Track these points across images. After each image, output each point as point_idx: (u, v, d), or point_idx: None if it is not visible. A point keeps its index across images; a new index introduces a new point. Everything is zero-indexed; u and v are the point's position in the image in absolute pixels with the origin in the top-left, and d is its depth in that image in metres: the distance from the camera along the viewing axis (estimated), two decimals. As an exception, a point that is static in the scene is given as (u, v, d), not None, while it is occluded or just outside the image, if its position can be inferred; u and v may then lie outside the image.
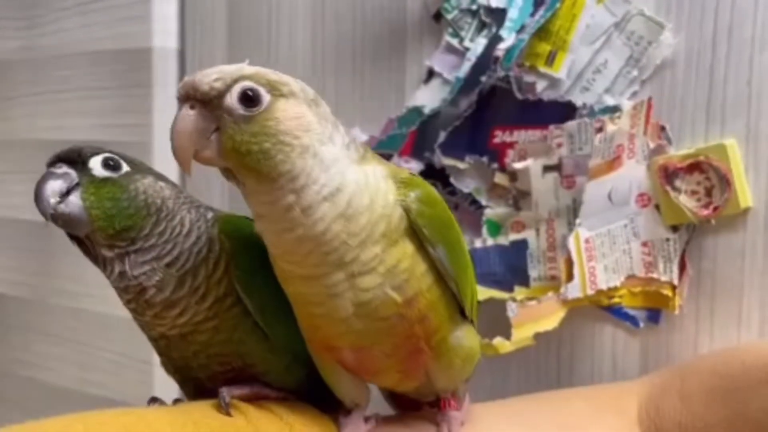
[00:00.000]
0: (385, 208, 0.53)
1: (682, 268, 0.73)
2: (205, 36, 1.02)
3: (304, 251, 0.53)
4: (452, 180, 0.83)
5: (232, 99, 0.50)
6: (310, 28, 0.93)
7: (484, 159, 0.82)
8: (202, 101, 0.50)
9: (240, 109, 0.50)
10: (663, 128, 0.74)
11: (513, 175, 0.81)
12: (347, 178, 0.52)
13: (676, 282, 0.73)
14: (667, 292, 0.74)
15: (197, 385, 0.62)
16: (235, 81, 0.50)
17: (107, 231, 0.56)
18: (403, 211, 0.54)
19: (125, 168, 0.58)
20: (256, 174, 0.51)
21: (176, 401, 0.61)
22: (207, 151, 0.51)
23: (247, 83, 0.50)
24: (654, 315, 0.76)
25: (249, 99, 0.50)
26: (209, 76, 0.50)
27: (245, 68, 0.51)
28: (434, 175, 0.83)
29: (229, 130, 0.50)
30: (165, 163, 1.03)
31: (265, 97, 0.50)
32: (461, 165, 0.82)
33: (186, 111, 0.51)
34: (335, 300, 0.54)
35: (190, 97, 0.51)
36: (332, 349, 0.58)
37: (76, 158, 0.57)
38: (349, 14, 0.90)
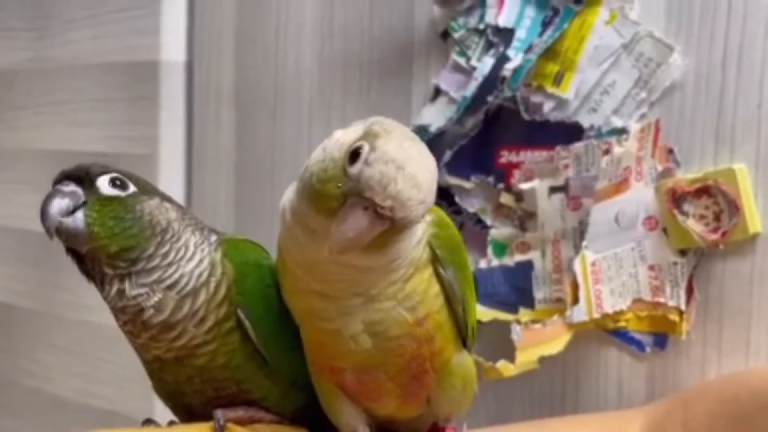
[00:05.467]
0: (416, 250, 0.53)
1: (690, 292, 0.72)
2: (213, 50, 1.03)
3: (331, 279, 0.53)
4: (457, 199, 0.82)
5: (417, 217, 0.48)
6: (317, 44, 0.93)
7: (490, 179, 0.81)
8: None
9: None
10: (671, 151, 0.73)
11: (519, 196, 0.80)
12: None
13: (683, 307, 0.72)
14: (674, 316, 0.73)
15: (189, 411, 0.61)
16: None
17: (108, 249, 0.56)
18: (426, 244, 0.54)
19: (132, 188, 0.58)
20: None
21: (171, 423, 0.61)
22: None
23: (431, 199, 0.49)
24: (660, 340, 0.74)
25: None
26: (417, 208, 0.47)
27: (432, 190, 0.49)
28: (440, 194, 0.82)
29: (393, 234, 0.49)
30: (170, 175, 1.04)
31: None
32: (467, 184, 0.82)
33: (376, 223, 0.47)
34: (346, 317, 0.53)
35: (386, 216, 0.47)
36: (334, 371, 0.57)
37: (83, 177, 0.57)
38: (356, 31, 0.90)
